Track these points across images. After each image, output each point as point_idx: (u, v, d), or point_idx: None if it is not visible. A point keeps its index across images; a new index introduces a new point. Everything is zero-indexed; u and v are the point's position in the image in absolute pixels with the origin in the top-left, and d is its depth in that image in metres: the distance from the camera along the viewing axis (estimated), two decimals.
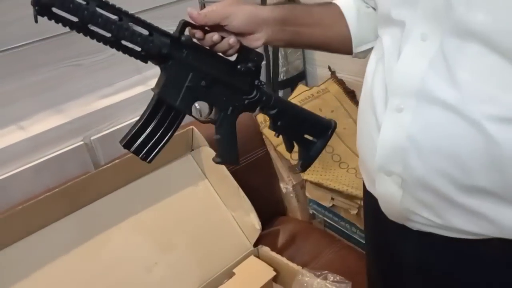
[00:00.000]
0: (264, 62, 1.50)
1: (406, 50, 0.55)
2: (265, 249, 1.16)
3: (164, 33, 0.59)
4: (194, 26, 0.60)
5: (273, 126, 0.74)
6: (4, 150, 1.03)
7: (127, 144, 0.63)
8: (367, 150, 0.64)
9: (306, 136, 0.76)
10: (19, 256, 0.94)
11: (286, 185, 1.37)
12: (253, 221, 1.16)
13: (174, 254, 1.08)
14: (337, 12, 0.73)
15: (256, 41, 0.65)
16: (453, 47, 0.50)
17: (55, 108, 1.15)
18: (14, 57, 1.05)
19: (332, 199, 1.26)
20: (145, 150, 0.64)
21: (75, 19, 0.53)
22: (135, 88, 1.25)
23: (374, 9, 0.70)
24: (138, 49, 0.59)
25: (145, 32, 0.58)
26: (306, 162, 0.77)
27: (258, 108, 0.72)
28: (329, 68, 1.44)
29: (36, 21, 0.52)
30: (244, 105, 0.69)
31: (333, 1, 0.75)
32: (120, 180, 1.09)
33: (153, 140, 0.64)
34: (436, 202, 0.56)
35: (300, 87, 1.42)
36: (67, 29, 0.56)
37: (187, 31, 0.62)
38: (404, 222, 0.63)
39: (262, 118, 1.33)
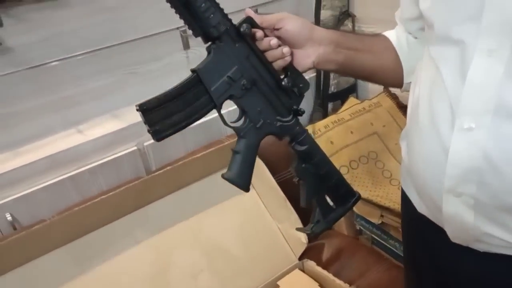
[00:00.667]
0: (314, 74, 1.49)
1: (474, 68, 0.52)
2: (310, 263, 1.14)
3: (226, 17, 0.59)
4: (257, 26, 0.60)
5: (297, 167, 0.67)
6: (63, 152, 1.08)
7: (143, 107, 0.59)
8: (430, 175, 0.61)
9: (327, 196, 0.69)
10: (82, 252, 0.98)
11: None
12: (300, 234, 1.15)
13: (220, 262, 1.08)
14: (386, 42, 0.73)
15: (307, 58, 0.64)
16: None
17: (112, 113, 1.19)
18: (77, 64, 1.12)
19: (382, 216, 1.22)
20: (158, 124, 0.60)
21: None
22: None
23: (416, 37, 0.71)
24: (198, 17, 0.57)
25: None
26: (320, 227, 0.69)
27: (288, 138, 0.66)
28: None
29: None
30: (275, 126, 0.65)
31: (382, 33, 0.75)
32: (170, 187, 1.11)
33: (171, 118, 0.60)
34: None
35: (351, 100, 1.40)
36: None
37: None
38: (470, 244, 0.60)
39: (311, 130, 1.31)
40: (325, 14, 1.45)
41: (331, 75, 1.45)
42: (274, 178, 1.18)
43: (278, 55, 0.62)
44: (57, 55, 1.09)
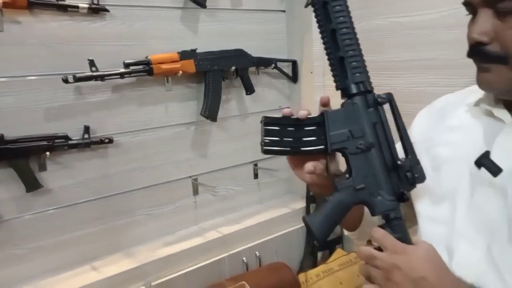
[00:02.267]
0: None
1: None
2: None
3: (369, 82, 0.66)
4: (394, 105, 0.67)
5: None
6: None
7: (267, 120, 0.67)
8: None
9: None
10: None
11: None
12: None
13: None
14: None
15: None
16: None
17: (126, 251, 1.29)
18: (105, 203, 1.26)
19: None
20: (272, 140, 0.66)
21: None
22: (192, 239, 1.40)
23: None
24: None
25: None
26: None
27: (382, 218, 0.67)
28: None
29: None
30: (374, 198, 0.66)
31: None
32: None
33: (282, 140, 0.67)
34: None
35: (338, 251, 1.54)
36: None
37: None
38: None
39: (304, 278, 1.42)
40: None
41: None
42: None
43: None
44: (86, 197, 1.23)
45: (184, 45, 1.35)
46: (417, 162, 0.67)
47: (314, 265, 1.53)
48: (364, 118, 0.66)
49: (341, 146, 0.66)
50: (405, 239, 0.66)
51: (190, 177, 1.46)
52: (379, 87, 1.20)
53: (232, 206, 1.57)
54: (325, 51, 0.68)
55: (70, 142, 1.17)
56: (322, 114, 0.67)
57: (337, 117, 0.67)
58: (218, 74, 1.42)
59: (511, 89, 0.64)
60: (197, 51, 1.36)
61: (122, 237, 1.30)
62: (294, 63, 1.66)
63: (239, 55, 1.49)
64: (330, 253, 1.56)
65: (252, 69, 1.55)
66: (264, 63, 1.57)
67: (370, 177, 0.66)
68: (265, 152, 0.67)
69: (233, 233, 1.44)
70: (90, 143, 1.20)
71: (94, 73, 1.15)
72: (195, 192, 1.48)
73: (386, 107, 0.67)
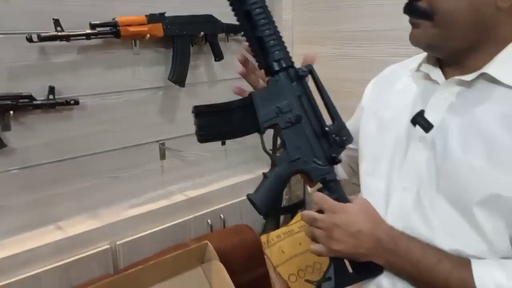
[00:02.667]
0: None
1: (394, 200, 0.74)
2: None
3: (289, 57, 0.70)
4: (315, 75, 0.72)
5: None
6: (41, 247, 1.17)
7: (198, 111, 0.69)
8: None
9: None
10: None
11: None
12: None
13: None
14: None
15: None
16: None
17: (91, 212, 1.32)
18: (71, 165, 1.27)
19: None
20: (207, 129, 0.69)
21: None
22: (159, 201, 1.44)
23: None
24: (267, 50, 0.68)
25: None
26: (327, 286, 0.73)
27: (319, 183, 0.73)
28: None
29: None
30: (309, 166, 0.71)
31: None
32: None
33: (216, 128, 0.69)
34: None
35: (300, 214, 1.62)
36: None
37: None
38: None
39: (265, 239, 1.49)
40: None
41: (284, 191, 1.69)
42: (233, 281, 1.31)
43: None
44: (51, 158, 1.24)
45: (152, 8, 1.33)
46: (343, 126, 0.72)
47: (277, 227, 1.60)
48: (289, 93, 0.70)
49: (272, 123, 0.70)
50: (342, 198, 0.74)
51: (157, 141, 1.48)
52: (346, 57, 1.25)
53: (199, 172, 1.61)
54: (242, 33, 0.71)
55: (34, 102, 1.16)
56: (250, 95, 0.71)
57: (264, 95, 0.70)
58: (186, 39, 1.42)
59: (433, 44, 0.70)
60: (166, 15, 1.36)
61: (88, 199, 1.32)
62: None
63: (208, 20, 1.49)
64: (292, 217, 1.64)
65: (221, 35, 1.55)
66: (234, 30, 1.57)
67: (303, 147, 0.71)
68: (201, 141, 0.70)
69: (199, 196, 1.49)
70: (55, 104, 1.19)
71: (59, 33, 1.14)
72: (162, 156, 1.50)
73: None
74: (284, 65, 0.70)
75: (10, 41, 1.12)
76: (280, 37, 0.70)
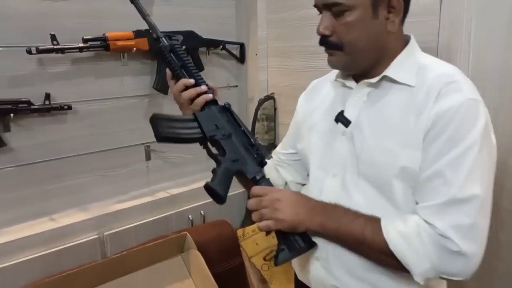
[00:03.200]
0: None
1: (326, 184, 0.92)
2: None
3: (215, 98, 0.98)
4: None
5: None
6: (36, 235, 1.31)
7: (153, 117, 0.93)
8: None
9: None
10: None
11: None
12: None
13: None
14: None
15: None
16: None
17: (82, 206, 1.46)
18: (64, 163, 1.42)
19: None
20: (164, 128, 0.91)
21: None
22: (144, 198, 1.59)
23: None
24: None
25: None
26: (283, 255, 0.89)
27: (252, 178, 0.94)
28: None
29: None
30: (245, 167, 0.94)
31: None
32: (118, 272, 1.34)
33: (175, 129, 0.91)
34: None
35: None
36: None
37: None
38: None
39: (241, 233, 1.64)
40: None
41: None
42: (211, 270, 1.45)
43: None
44: (46, 157, 1.39)
45: (139, 25, 1.50)
46: (260, 145, 0.98)
47: (252, 222, 1.75)
48: (220, 118, 0.97)
49: (213, 134, 0.94)
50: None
51: (143, 144, 1.63)
52: (313, 69, 1.47)
53: (182, 172, 1.76)
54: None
55: (32, 107, 1.32)
56: (194, 115, 0.95)
57: (204, 117, 0.95)
58: None
59: (346, 67, 0.91)
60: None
61: (79, 195, 1.47)
62: (241, 46, 1.84)
63: (190, 36, 1.66)
64: None
65: (203, 49, 1.72)
66: (213, 44, 1.75)
67: (238, 153, 0.95)
68: (161, 140, 0.92)
69: (180, 193, 1.64)
70: (51, 108, 1.35)
71: (55, 46, 1.30)
72: (148, 157, 1.65)
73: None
74: (211, 102, 0.98)
75: (11, 53, 1.28)
76: (206, 84, 0.99)
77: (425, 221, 0.78)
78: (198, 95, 0.97)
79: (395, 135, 0.83)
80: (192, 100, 0.97)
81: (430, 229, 0.77)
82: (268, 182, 0.95)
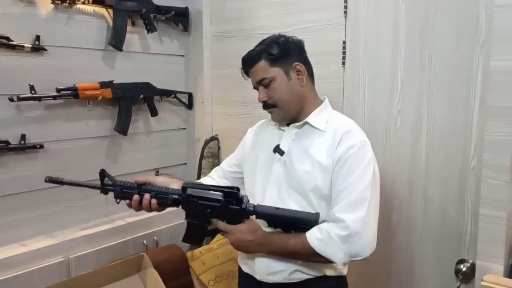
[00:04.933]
0: None
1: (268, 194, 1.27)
2: None
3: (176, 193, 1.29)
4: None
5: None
6: (10, 258, 1.49)
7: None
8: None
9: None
10: None
11: None
12: None
13: None
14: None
15: None
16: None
17: (49, 233, 1.66)
18: (34, 195, 1.62)
19: None
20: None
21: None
22: (103, 226, 1.80)
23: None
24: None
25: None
26: None
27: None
28: None
29: None
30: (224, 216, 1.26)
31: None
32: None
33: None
34: None
35: (218, 236, 2.03)
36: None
37: None
38: (265, 279, 1.27)
39: (190, 255, 1.89)
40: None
41: None
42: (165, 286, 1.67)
43: None
44: (19, 190, 1.59)
45: (104, 77, 1.79)
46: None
47: (200, 246, 2.00)
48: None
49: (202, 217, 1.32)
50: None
51: None
52: (249, 115, 1.93)
53: None
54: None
55: (9, 146, 1.53)
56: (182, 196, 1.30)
57: (191, 210, 1.32)
58: (129, 100, 1.88)
59: (284, 118, 1.31)
60: (114, 82, 1.81)
61: (46, 223, 1.67)
62: (190, 95, 2.17)
63: (146, 86, 1.97)
64: (213, 237, 2.05)
65: (157, 97, 2.03)
66: (166, 93, 2.06)
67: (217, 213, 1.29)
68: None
69: (136, 221, 1.87)
70: (25, 147, 1.57)
71: (34, 95, 1.55)
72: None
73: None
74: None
75: None
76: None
77: (337, 217, 1.15)
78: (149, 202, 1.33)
79: (312, 162, 1.22)
80: (150, 205, 1.33)
81: (337, 228, 1.14)
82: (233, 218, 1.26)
